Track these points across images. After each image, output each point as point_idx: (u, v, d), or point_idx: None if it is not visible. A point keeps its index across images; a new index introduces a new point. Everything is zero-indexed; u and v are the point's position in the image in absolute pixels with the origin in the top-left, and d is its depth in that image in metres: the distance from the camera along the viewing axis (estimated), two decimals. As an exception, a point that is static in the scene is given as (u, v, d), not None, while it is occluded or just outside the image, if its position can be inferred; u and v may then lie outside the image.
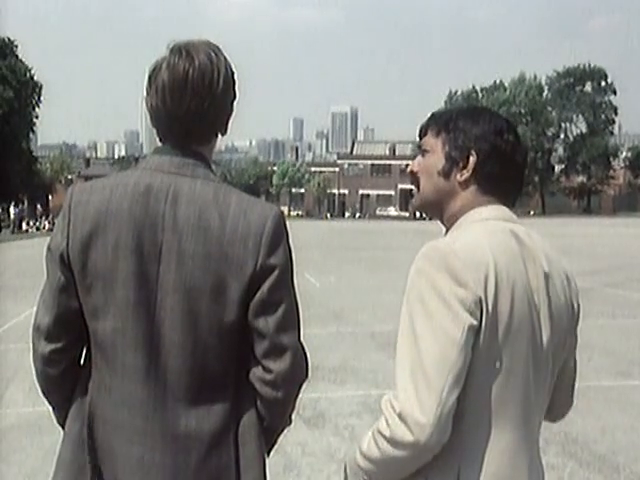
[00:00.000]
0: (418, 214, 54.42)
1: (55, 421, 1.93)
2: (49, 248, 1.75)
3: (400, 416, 1.47)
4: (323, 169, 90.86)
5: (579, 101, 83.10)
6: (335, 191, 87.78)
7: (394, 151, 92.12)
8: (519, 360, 1.58)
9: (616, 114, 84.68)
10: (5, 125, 50.23)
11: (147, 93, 1.77)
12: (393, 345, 1.57)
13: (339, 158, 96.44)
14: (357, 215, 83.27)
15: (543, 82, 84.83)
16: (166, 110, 1.74)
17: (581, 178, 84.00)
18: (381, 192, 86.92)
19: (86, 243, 1.69)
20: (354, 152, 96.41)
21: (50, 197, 67.50)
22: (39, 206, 64.49)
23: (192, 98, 1.71)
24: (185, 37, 1.79)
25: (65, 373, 1.81)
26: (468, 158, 1.69)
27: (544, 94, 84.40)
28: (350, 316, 11.22)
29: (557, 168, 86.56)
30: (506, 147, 1.70)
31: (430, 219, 1.96)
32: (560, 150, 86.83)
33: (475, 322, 1.50)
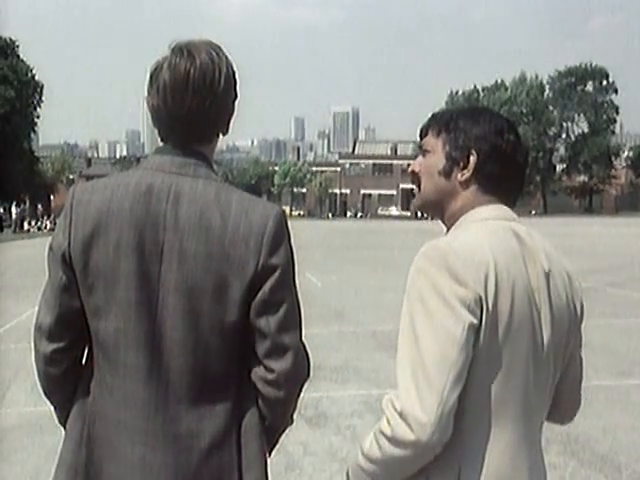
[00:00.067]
0: (419, 214, 54.43)
1: (57, 421, 1.93)
2: (51, 248, 1.75)
3: (401, 415, 1.47)
4: (324, 169, 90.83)
5: (580, 100, 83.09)
6: (337, 191, 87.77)
7: (396, 151, 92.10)
8: (519, 359, 1.58)
9: (617, 113, 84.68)
10: (6, 125, 50.28)
11: (148, 93, 1.77)
12: (395, 344, 1.58)
13: (340, 158, 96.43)
14: (359, 215, 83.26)
15: (544, 82, 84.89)
16: (167, 110, 1.74)
17: (583, 178, 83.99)
18: (383, 192, 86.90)
19: (88, 243, 1.69)
20: (355, 152, 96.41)
21: (52, 197, 67.53)
22: (40, 206, 64.51)
23: (193, 98, 1.71)
24: (186, 37, 1.79)
25: (67, 373, 1.81)
26: (469, 158, 1.69)
27: (545, 94, 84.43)
28: (352, 315, 11.22)
29: (559, 167, 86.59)
30: (506, 147, 1.70)
31: (431, 219, 1.96)
32: (562, 150, 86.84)
33: (475, 321, 1.51)
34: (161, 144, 1.80)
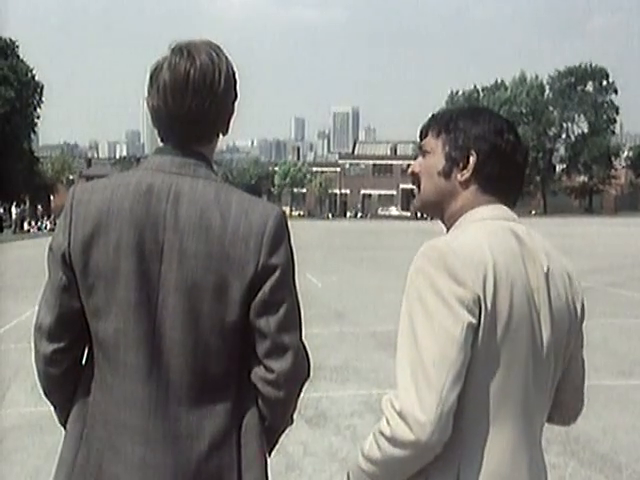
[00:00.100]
0: (419, 214, 54.43)
1: (57, 421, 1.93)
2: (51, 248, 1.75)
3: (400, 415, 1.47)
4: (324, 169, 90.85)
5: (580, 101, 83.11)
6: (337, 191, 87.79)
7: (395, 151, 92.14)
8: (518, 359, 1.58)
9: (617, 113, 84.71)
10: (6, 125, 50.29)
11: (148, 93, 1.77)
12: (394, 345, 1.58)
13: (340, 158, 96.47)
14: (359, 215, 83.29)
15: (544, 82, 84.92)
16: (167, 110, 1.74)
17: (583, 178, 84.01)
18: (383, 192, 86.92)
19: (88, 243, 1.69)
20: (355, 152, 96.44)
21: (52, 197, 67.53)
22: (40, 206, 64.52)
23: (193, 98, 1.72)
24: (186, 37, 1.79)
25: (67, 373, 1.81)
26: (468, 158, 1.70)
27: (545, 94, 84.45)
28: (352, 316, 11.23)
29: (559, 168, 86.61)
30: (506, 147, 1.70)
31: (431, 219, 1.96)
32: (562, 150, 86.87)
33: (474, 320, 1.51)
34: (161, 144, 1.80)
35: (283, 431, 1.91)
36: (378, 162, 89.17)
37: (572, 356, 1.77)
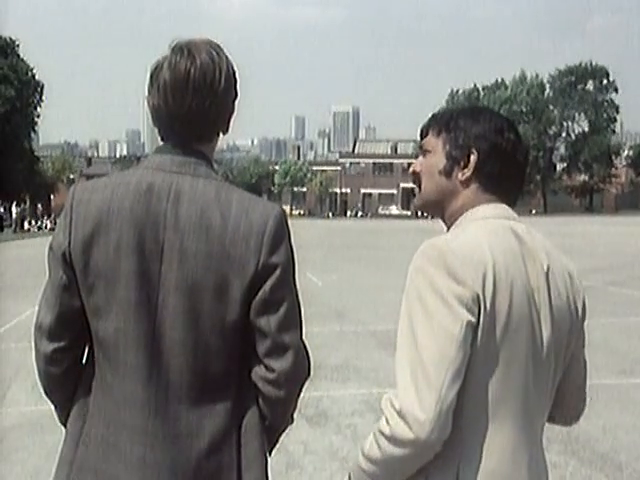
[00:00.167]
0: (420, 213, 54.43)
1: (57, 420, 1.93)
2: (51, 247, 1.75)
3: (400, 413, 1.48)
4: (325, 168, 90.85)
5: (581, 99, 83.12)
6: (337, 190, 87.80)
7: (396, 150, 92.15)
8: (518, 358, 1.58)
9: (618, 112, 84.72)
10: (7, 124, 50.31)
11: (149, 92, 1.77)
12: (395, 344, 1.58)
13: (341, 157, 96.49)
14: (359, 214, 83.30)
15: (545, 80, 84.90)
16: (168, 109, 1.74)
17: (583, 177, 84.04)
18: (383, 191, 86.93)
19: (88, 242, 1.69)
20: (356, 151, 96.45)
21: (52, 196, 67.55)
22: (40, 205, 64.52)
23: (193, 97, 1.71)
24: (187, 36, 1.79)
25: (67, 372, 1.81)
26: (469, 157, 1.70)
27: (546, 92, 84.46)
28: (352, 315, 11.23)
29: (559, 167, 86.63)
30: (506, 145, 1.70)
31: (432, 218, 1.96)
32: (562, 149, 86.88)
33: (473, 319, 1.51)
34: (161, 143, 1.80)
35: (284, 430, 1.91)
36: (378, 161, 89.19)
37: (573, 356, 1.77)
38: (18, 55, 54.39)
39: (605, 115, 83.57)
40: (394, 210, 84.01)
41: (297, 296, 1.76)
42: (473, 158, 1.69)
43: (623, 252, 23.11)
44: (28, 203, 60.10)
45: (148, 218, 1.69)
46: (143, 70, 1.83)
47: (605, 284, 14.26)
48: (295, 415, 1.92)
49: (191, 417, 1.71)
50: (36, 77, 55.21)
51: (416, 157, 1.82)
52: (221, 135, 1.84)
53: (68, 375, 1.81)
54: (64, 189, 63.88)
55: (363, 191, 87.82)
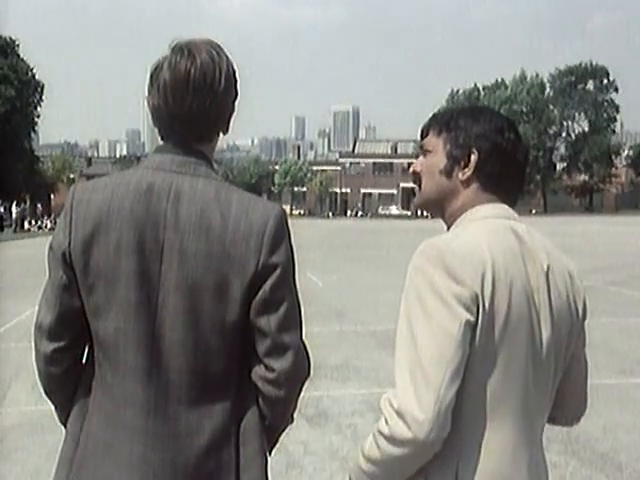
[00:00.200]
0: (420, 212, 54.39)
1: (57, 420, 1.93)
2: (51, 247, 1.75)
3: (398, 413, 1.48)
4: (325, 168, 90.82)
5: (581, 99, 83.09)
6: (337, 190, 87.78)
7: (396, 149, 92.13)
8: (517, 358, 1.58)
9: (618, 112, 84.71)
10: (7, 124, 50.30)
11: (149, 92, 1.77)
12: (394, 343, 1.58)
13: (341, 157, 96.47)
14: (359, 214, 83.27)
15: (545, 80, 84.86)
16: (168, 109, 1.74)
17: (583, 176, 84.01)
18: (383, 191, 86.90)
19: (88, 242, 1.69)
20: (356, 151, 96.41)
21: (52, 196, 67.53)
22: (40, 205, 64.51)
23: (194, 97, 1.71)
24: (187, 36, 1.79)
25: (67, 372, 1.81)
26: (469, 157, 1.70)
27: (546, 92, 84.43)
28: (352, 314, 11.23)
29: (559, 166, 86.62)
30: (507, 145, 1.70)
31: (432, 217, 1.96)
32: (562, 148, 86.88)
33: (472, 318, 1.51)
34: (161, 143, 1.80)
35: (283, 430, 1.91)
36: (378, 161, 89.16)
37: (574, 356, 1.77)
38: (18, 55, 54.36)
39: (605, 115, 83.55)
40: (394, 210, 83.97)
41: (297, 296, 1.76)
42: (474, 158, 1.69)
43: (623, 252, 23.10)
44: (28, 203, 60.10)
45: (148, 218, 1.69)
46: (143, 70, 1.83)
47: (605, 284, 14.25)
48: (295, 415, 1.92)
49: (191, 417, 1.71)
50: (36, 77, 55.19)
51: (416, 157, 1.82)
52: (221, 135, 1.84)
53: (68, 375, 1.81)
54: (64, 189, 63.84)
55: (363, 191, 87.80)
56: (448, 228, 1.75)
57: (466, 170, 1.70)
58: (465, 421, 1.55)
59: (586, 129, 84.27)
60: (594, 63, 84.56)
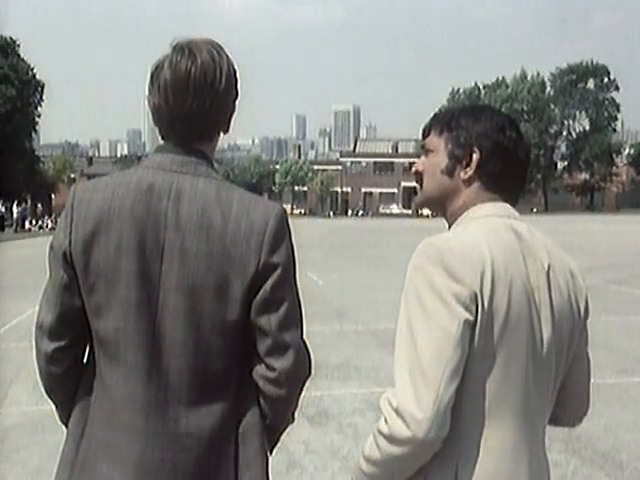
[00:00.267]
0: (421, 211, 54.37)
1: (58, 420, 1.93)
2: (52, 247, 1.75)
3: (397, 412, 1.47)
4: (326, 167, 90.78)
5: (582, 98, 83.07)
6: (338, 189, 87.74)
7: (397, 149, 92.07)
8: (517, 358, 1.57)
9: (619, 111, 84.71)
10: (7, 124, 50.31)
11: (149, 92, 1.77)
12: (395, 343, 1.58)
13: (342, 156, 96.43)
14: (360, 213, 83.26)
15: (545, 79, 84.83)
16: (168, 109, 1.74)
17: (584, 175, 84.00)
18: (384, 190, 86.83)
19: (88, 242, 1.69)
20: (357, 150, 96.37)
21: (53, 196, 67.51)
22: (41, 205, 64.50)
23: (194, 97, 1.71)
24: (187, 36, 1.79)
25: (68, 371, 1.81)
26: (471, 156, 1.70)
27: (546, 91, 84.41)
28: (353, 314, 11.23)
29: (560, 165, 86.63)
30: (508, 144, 1.70)
31: (433, 216, 1.96)
32: (563, 147, 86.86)
33: (471, 317, 1.50)
34: (162, 143, 1.80)
35: (284, 429, 1.91)
36: (379, 160, 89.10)
37: (576, 356, 1.76)
38: (19, 55, 54.37)
39: (606, 113, 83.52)
40: (395, 209, 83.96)
41: (298, 295, 1.76)
42: (475, 157, 1.69)
43: (624, 250, 23.10)
44: (29, 203, 60.09)
45: (149, 218, 1.68)
46: (143, 70, 1.83)
47: (606, 282, 14.24)
48: (296, 414, 1.92)
49: (191, 417, 1.71)
50: (37, 77, 55.18)
51: (418, 156, 1.82)
52: (222, 134, 1.84)
53: (69, 375, 1.81)
54: (65, 189, 63.79)
55: (364, 190, 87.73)
56: (449, 227, 1.75)
57: (468, 169, 1.70)
58: (465, 420, 1.55)
59: (587, 128, 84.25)
60: (595, 62, 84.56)
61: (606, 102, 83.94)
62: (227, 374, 1.74)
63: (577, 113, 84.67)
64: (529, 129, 74.81)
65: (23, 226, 46.10)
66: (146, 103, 1.80)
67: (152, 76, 1.76)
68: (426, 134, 1.80)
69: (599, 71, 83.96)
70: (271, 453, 1.87)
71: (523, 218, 1.72)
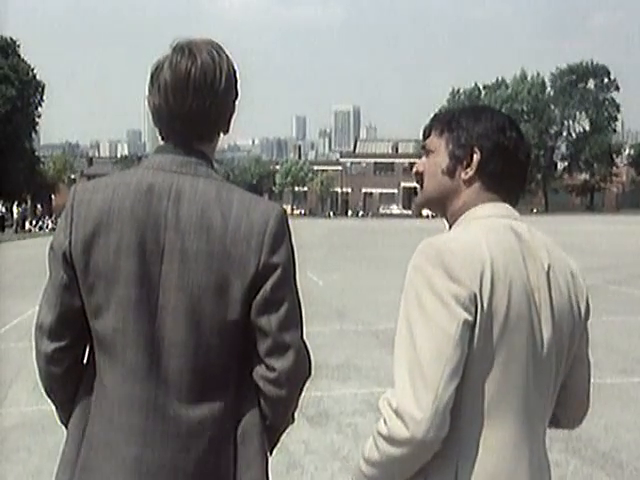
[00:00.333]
0: (421, 212, 54.30)
1: (58, 420, 1.93)
2: (52, 247, 1.75)
3: (397, 413, 1.47)
4: (326, 167, 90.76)
5: (582, 98, 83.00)
6: (338, 189, 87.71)
7: (397, 149, 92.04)
8: (517, 358, 1.57)
9: (619, 111, 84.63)
10: (8, 124, 50.31)
11: (149, 92, 1.77)
12: (394, 343, 1.58)
13: (342, 156, 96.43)
14: (360, 213, 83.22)
15: (545, 79, 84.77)
16: (168, 109, 1.74)
17: (584, 175, 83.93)
18: (384, 190, 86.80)
19: (88, 242, 1.69)
20: (357, 150, 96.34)
21: (53, 196, 67.53)
22: (41, 206, 64.50)
23: (194, 97, 1.72)
24: (187, 36, 1.79)
25: (68, 372, 1.81)
26: (472, 156, 1.70)
27: (546, 91, 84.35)
28: (353, 314, 11.22)
29: (560, 165, 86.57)
30: (509, 144, 1.70)
31: (433, 217, 1.96)
32: (563, 147, 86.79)
33: (470, 318, 1.50)
34: (162, 143, 1.80)
35: (284, 430, 1.91)
36: (379, 160, 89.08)
37: (577, 357, 1.76)
38: (19, 55, 54.38)
39: (606, 114, 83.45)
40: (395, 209, 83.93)
41: (298, 295, 1.76)
42: (476, 157, 1.69)
43: (624, 251, 23.08)
44: (29, 203, 60.09)
45: (149, 218, 1.69)
46: (143, 70, 1.83)
47: (606, 283, 14.23)
48: (296, 414, 1.92)
49: (190, 417, 1.71)
50: (37, 77, 55.19)
51: (418, 157, 1.82)
52: (222, 135, 1.85)
53: (69, 375, 1.81)
54: (65, 189, 63.81)
55: (364, 190, 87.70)
56: (449, 227, 1.75)
57: (468, 170, 1.70)
58: (464, 420, 1.55)
59: (587, 128, 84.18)
60: (595, 62, 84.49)
61: (606, 102, 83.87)
62: (227, 374, 1.74)
63: (577, 113, 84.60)
64: (529, 129, 74.73)
65: (23, 226, 46.10)
66: (146, 103, 1.80)
67: (152, 76, 1.76)
68: (426, 135, 1.80)
69: (599, 71, 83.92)
70: (271, 453, 1.87)
71: (523, 218, 1.72)
